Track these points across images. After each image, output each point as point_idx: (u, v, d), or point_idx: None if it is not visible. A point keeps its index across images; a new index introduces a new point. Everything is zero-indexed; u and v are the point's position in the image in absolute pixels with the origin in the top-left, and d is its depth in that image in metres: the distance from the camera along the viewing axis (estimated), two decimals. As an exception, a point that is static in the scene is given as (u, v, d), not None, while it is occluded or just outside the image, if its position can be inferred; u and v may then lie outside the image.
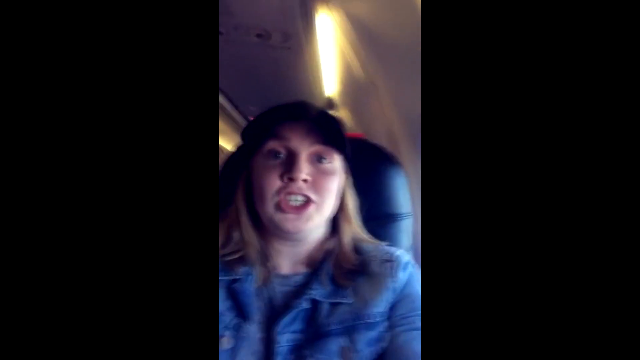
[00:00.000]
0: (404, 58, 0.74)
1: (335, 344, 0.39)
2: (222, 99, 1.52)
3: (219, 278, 0.45)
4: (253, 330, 0.41)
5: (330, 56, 1.04)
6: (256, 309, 0.43)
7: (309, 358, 0.39)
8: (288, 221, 0.42)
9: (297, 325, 0.41)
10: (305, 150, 0.43)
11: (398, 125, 0.97)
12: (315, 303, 0.42)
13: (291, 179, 0.41)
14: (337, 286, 0.43)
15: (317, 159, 0.44)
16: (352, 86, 1.09)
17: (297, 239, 0.46)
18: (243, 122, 1.86)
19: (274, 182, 0.42)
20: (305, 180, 0.42)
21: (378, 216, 0.56)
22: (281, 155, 0.43)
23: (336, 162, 0.45)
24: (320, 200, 0.43)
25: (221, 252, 0.46)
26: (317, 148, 0.44)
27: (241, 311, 0.42)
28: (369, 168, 0.56)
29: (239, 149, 0.59)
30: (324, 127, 0.44)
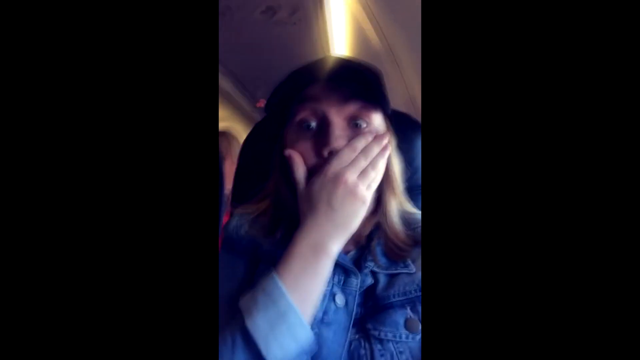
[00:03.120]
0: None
1: (400, 316, 0.37)
2: (228, 85, 1.49)
3: None
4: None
5: (342, 26, 1.01)
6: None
7: (372, 331, 0.37)
8: None
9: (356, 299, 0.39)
10: (338, 115, 0.38)
11: (419, 88, 0.96)
12: (372, 275, 0.40)
13: (331, 153, 0.36)
14: (391, 260, 0.40)
15: (354, 124, 0.38)
16: (367, 55, 1.06)
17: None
18: (250, 108, 1.83)
19: (312, 158, 0.38)
20: None
21: (412, 186, 0.53)
22: (313, 125, 0.38)
23: (376, 122, 0.39)
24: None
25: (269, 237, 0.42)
26: (351, 109, 0.38)
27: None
28: (397, 136, 0.53)
29: (263, 121, 0.55)
30: (355, 79, 0.38)
